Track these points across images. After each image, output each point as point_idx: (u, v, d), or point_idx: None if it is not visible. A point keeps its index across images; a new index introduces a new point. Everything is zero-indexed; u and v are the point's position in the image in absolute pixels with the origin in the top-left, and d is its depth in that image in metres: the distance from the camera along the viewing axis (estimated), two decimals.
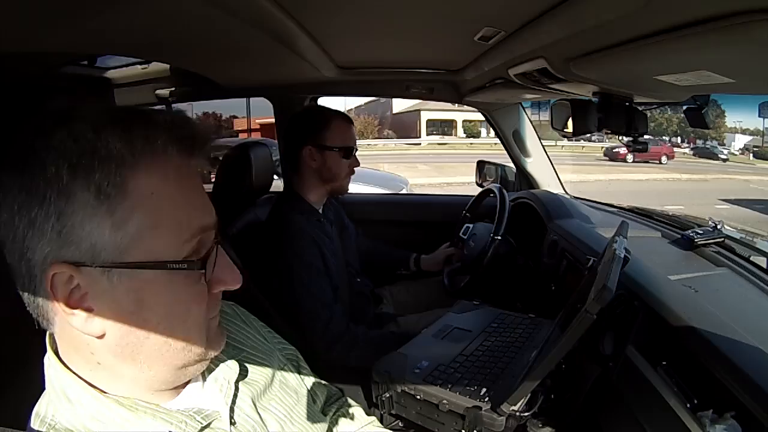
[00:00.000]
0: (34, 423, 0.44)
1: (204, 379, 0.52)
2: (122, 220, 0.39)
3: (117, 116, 0.40)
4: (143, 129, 0.40)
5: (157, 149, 0.40)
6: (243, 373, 0.55)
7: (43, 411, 0.44)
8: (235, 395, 0.52)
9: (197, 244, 0.43)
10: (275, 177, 1.50)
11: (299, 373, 0.68)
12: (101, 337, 0.41)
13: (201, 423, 0.47)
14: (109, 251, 0.39)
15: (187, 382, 0.51)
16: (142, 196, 0.39)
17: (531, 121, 1.78)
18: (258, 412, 0.54)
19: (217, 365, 0.53)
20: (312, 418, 0.62)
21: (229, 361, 0.54)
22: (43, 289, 0.39)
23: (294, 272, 1.17)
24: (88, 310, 0.40)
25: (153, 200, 0.40)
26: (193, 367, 0.47)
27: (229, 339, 0.59)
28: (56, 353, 0.45)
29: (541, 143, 1.80)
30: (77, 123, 0.38)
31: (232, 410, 0.51)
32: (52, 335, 0.46)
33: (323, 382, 0.73)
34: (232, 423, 0.50)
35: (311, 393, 0.67)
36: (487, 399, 0.79)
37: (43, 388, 0.46)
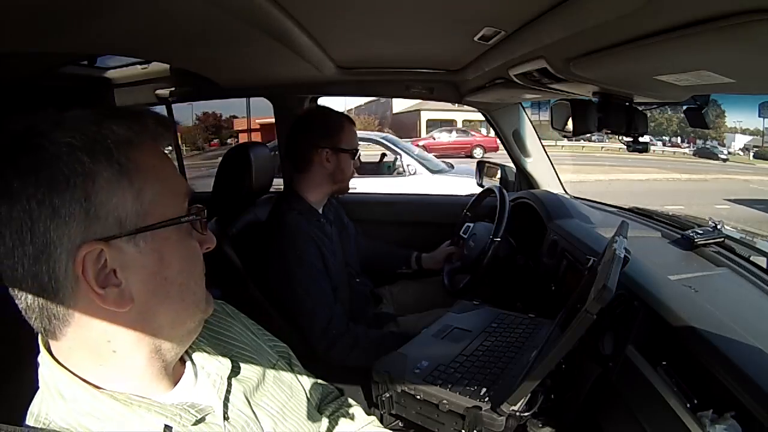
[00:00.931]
0: (29, 421, 0.44)
1: (196, 375, 0.53)
2: (140, 189, 0.44)
3: (104, 112, 0.45)
4: (135, 118, 0.46)
5: (150, 132, 0.47)
6: (235, 370, 0.56)
7: (36, 410, 0.45)
8: (228, 391, 0.53)
9: (188, 205, 0.50)
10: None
11: (292, 370, 0.68)
12: (128, 311, 0.44)
13: (195, 416, 0.48)
14: (132, 219, 0.44)
15: (180, 378, 0.51)
16: (149, 169, 0.45)
17: (531, 121, 1.78)
18: (251, 408, 0.55)
19: (209, 361, 0.54)
20: (306, 414, 0.63)
21: (220, 357, 0.55)
22: (70, 278, 0.42)
23: (294, 272, 1.17)
24: (117, 285, 0.43)
25: (156, 172, 0.46)
26: (195, 332, 0.51)
27: (220, 335, 0.60)
28: (49, 352, 0.45)
29: (541, 143, 1.80)
30: (73, 121, 0.43)
31: (225, 405, 0.52)
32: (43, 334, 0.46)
33: (319, 380, 0.73)
34: (226, 418, 0.51)
35: (305, 390, 0.67)
36: (487, 399, 0.79)
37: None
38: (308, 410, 0.64)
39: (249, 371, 0.58)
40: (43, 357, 0.46)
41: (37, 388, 0.46)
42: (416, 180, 5.00)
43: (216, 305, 0.63)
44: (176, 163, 2.22)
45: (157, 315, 0.46)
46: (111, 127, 0.44)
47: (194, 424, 0.48)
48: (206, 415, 0.49)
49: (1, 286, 0.42)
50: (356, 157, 1.35)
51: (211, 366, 0.54)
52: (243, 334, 0.64)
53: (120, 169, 0.43)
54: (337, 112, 1.36)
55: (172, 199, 0.48)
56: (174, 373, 0.51)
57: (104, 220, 0.42)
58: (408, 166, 5.17)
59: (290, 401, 0.62)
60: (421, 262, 1.59)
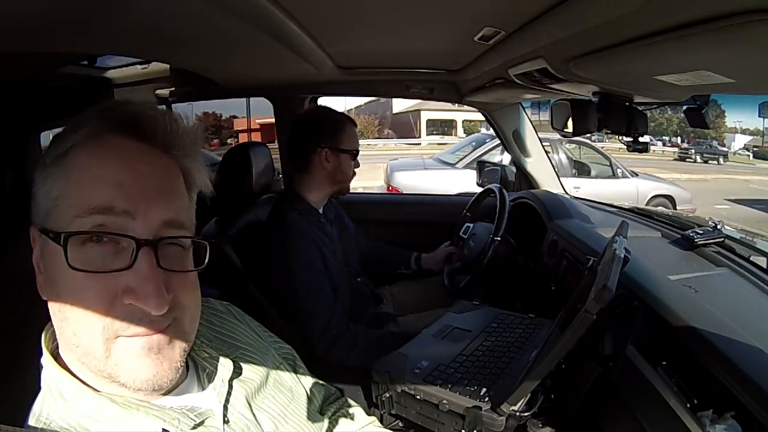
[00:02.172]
0: (30, 420, 0.44)
1: (198, 377, 0.52)
2: (50, 187, 0.42)
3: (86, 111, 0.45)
4: (88, 114, 0.44)
5: (91, 127, 0.43)
6: (237, 371, 0.56)
7: (38, 410, 0.44)
8: (229, 393, 0.53)
9: (96, 227, 0.40)
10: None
11: (295, 372, 0.68)
12: (38, 336, 0.45)
13: (194, 420, 0.47)
14: (41, 215, 0.43)
15: (181, 380, 0.51)
16: (70, 168, 0.42)
17: (531, 121, 1.78)
18: (252, 411, 0.54)
19: (211, 363, 0.53)
20: (307, 416, 0.62)
21: (223, 359, 0.54)
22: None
23: (294, 272, 1.17)
24: (42, 274, 0.44)
25: (74, 171, 0.42)
26: (108, 385, 0.43)
27: (224, 336, 0.60)
28: (51, 353, 0.46)
29: (541, 143, 1.80)
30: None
31: (225, 408, 0.51)
32: (49, 334, 0.46)
33: (321, 381, 0.73)
34: (225, 421, 0.50)
35: (307, 392, 0.67)
36: (487, 399, 0.79)
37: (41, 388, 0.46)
38: (310, 412, 0.64)
39: (251, 373, 0.58)
40: (45, 358, 0.46)
41: (39, 389, 0.46)
42: (630, 183, 5.34)
43: (221, 306, 0.63)
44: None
45: (62, 332, 0.42)
46: (69, 125, 0.44)
47: (193, 428, 0.47)
48: (206, 418, 0.49)
49: (5, 287, 0.43)
50: (356, 158, 1.34)
51: (213, 368, 0.53)
52: (247, 335, 0.63)
53: (43, 163, 0.43)
54: (338, 112, 1.35)
55: (69, 208, 0.41)
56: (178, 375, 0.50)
57: (35, 208, 0.43)
58: (618, 170, 5.49)
59: (291, 404, 0.61)
60: (421, 263, 1.59)
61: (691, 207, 5.58)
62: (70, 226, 0.40)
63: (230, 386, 0.53)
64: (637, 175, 5.64)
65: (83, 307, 0.40)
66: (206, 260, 0.47)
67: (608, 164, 5.51)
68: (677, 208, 5.42)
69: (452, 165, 5.45)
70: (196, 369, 0.53)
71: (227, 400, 0.52)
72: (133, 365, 0.42)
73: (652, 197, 5.41)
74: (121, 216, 0.41)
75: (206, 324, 0.60)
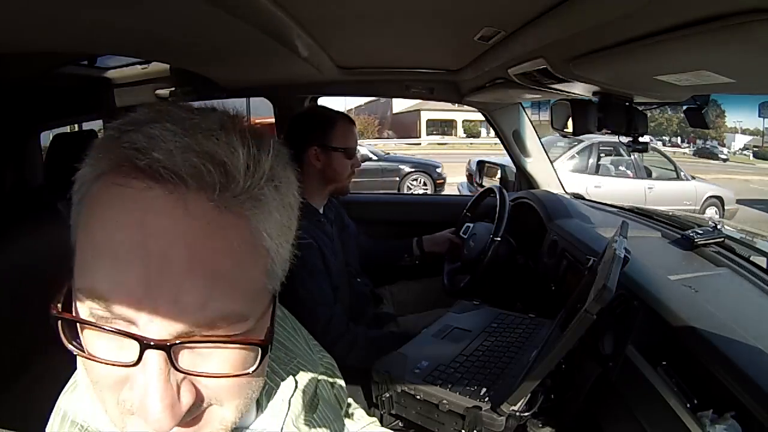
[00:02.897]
0: (57, 419, 0.39)
1: (264, 396, 0.46)
2: (75, 245, 0.32)
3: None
4: (107, 144, 0.31)
5: (101, 169, 0.30)
6: (296, 387, 0.50)
7: (74, 408, 0.38)
8: (287, 413, 0.46)
9: (102, 321, 0.30)
10: None
11: (333, 382, 0.65)
12: (40, 342, 0.38)
13: None
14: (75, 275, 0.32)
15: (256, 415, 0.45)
16: (83, 218, 0.31)
17: (531, 121, 1.78)
18: (301, 427, 0.49)
19: (272, 379, 0.47)
20: (340, 428, 0.58)
21: (286, 374, 0.49)
22: None
23: (293, 272, 1.16)
24: None
25: (80, 228, 0.31)
26: None
27: (280, 344, 0.54)
28: None
29: (541, 143, 1.80)
30: None
31: (281, 429, 0.45)
32: None
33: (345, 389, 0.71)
34: None
35: (339, 401, 0.65)
36: (487, 399, 0.79)
37: (43, 389, 0.45)
38: (343, 425, 0.60)
39: (305, 386, 0.52)
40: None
41: (40, 390, 0.44)
42: (690, 185, 5.90)
43: (278, 310, 0.58)
44: None
45: None
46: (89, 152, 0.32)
47: None
48: None
49: (5, 287, 0.42)
50: (354, 157, 1.32)
51: (273, 384, 0.47)
52: (299, 345, 0.58)
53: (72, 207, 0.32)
54: (332, 110, 1.33)
55: (76, 280, 0.30)
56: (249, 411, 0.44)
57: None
58: (681, 173, 6.02)
59: (332, 416, 0.56)
60: (423, 245, 1.58)
61: (734, 207, 6.14)
62: (73, 298, 0.31)
63: (288, 404, 0.47)
64: (694, 178, 6.16)
65: (96, 380, 0.32)
66: (258, 363, 0.33)
67: (673, 168, 5.93)
68: (725, 207, 6.00)
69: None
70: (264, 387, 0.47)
71: (284, 420, 0.46)
72: None
73: (707, 198, 5.94)
74: (110, 306, 0.29)
75: None
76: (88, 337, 0.31)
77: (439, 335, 1.05)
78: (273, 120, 1.90)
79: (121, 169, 0.29)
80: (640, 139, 1.16)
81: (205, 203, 0.29)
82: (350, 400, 0.76)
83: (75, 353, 0.31)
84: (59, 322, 0.30)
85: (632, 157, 5.54)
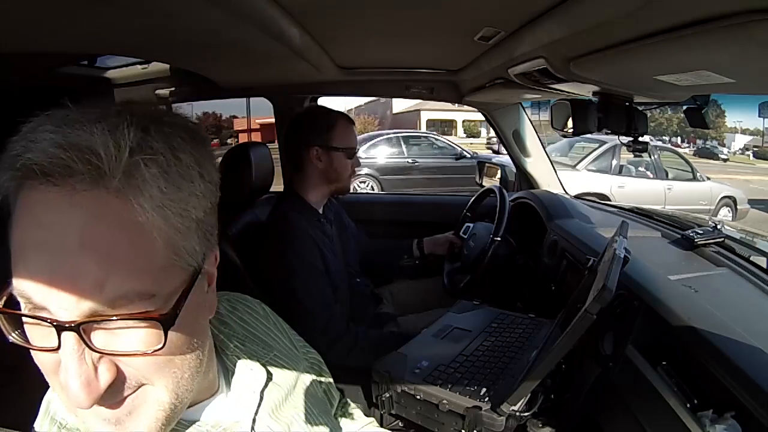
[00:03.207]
0: (43, 419, 0.41)
1: (229, 386, 0.49)
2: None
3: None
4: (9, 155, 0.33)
5: (11, 177, 0.32)
6: (269, 379, 0.52)
7: (53, 407, 0.42)
8: (259, 405, 0.49)
9: (27, 309, 0.33)
10: None
11: (320, 378, 0.66)
12: None
13: None
14: None
15: (212, 390, 0.47)
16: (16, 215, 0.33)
17: (531, 121, 1.78)
18: (279, 421, 0.51)
19: (245, 372, 0.50)
20: (329, 425, 0.59)
21: (256, 366, 0.51)
22: None
23: (294, 272, 1.16)
24: None
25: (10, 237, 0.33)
26: None
27: (258, 339, 0.56)
28: None
29: (541, 143, 1.80)
30: None
31: (254, 421, 0.48)
32: None
33: (337, 386, 0.72)
34: None
35: (328, 398, 0.65)
36: (487, 399, 0.79)
37: (43, 388, 0.45)
38: (330, 420, 0.61)
39: (281, 380, 0.54)
40: None
41: (40, 390, 0.45)
42: (705, 186, 6.10)
43: (258, 306, 0.60)
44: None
45: None
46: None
47: None
48: None
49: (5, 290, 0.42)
50: (354, 157, 1.32)
51: (244, 376, 0.49)
52: (279, 340, 0.60)
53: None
54: (332, 110, 1.33)
55: (14, 279, 0.33)
56: (207, 388, 0.46)
57: None
58: (697, 174, 6.22)
59: (316, 412, 0.58)
60: (423, 246, 1.59)
61: (746, 207, 6.31)
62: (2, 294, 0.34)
63: (260, 396, 0.49)
64: (709, 179, 6.34)
65: (43, 368, 0.35)
66: (165, 341, 0.34)
67: (689, 169, 6.13)
68: (737, 207, 6.17)
69: (572, 167, 5.69)
70: (226, 375, 0.50)
71: (256, 412, 0.48)
72: (98, 428, 0.35)
73: (722, 198, 6.10)
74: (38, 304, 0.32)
75: (239, 322, 0.56)
76: (28, 329, 0.34)
77: (439, 335, 1.05)
78: (273, 120, 1.90)
79: (14, 176, 0.32)
80: (640, 139, 1.16)
81: (85, 191, 0.31)
82: (350, 400, 0.76)
83: (16, 343, 0.34)
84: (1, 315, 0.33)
85: (652, 158, 5.72)
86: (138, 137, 0.33)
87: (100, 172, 0.31)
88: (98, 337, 0.33)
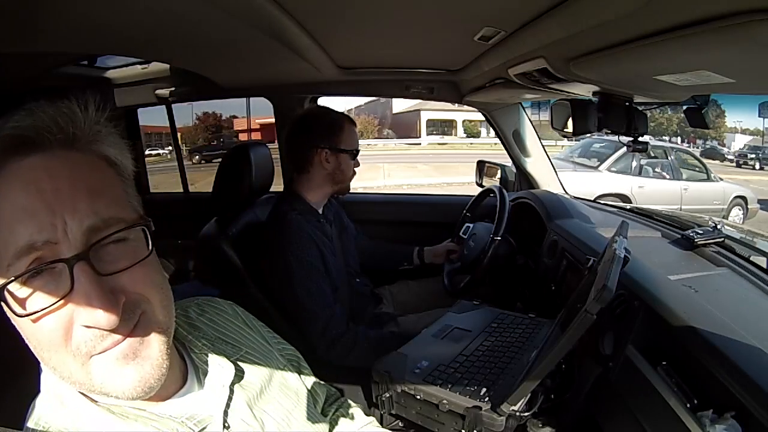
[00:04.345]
0: (29, 423, 0.44)
1: (200, 381, 0.52)
2: None
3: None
4: None
5: None
6: (239, 375, 0.55)
7: (37, 413, 0.44)
8: (230, 398, 0.52)
9: (34, 264, 0.38)
10: None
11: (300, 374, 0.67)
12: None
13: (193, 429, 0.47)
14: None
15: (182, 384, 0.50)
16: None
17: (531, 121, 1.78)
18: (254, 415, 0.53)
19: (212, 367, 0.53)
20: (312, 419, 0.62)
21: (224, 362, 0.54)
22: None
23: (293, 272, 1.17)
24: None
25: None
26: (109, 399, 0.43)
27: (227, 338, 0.59)
28: None
29: (541, 143, 1.80)
30: None
31: (225, 413, 0.50)
32: None
33: (322, 382, 0.73)
34: (226, 427, 0.50)
35: (312, 394, 0.66)
36: (487, 399, 0.79)
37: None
38: (314, 415, 0.63)
39: (254, 377, 0.57)
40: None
41: (38, 391, 0.46)
42: (718, 186, 6.24)
43: (227, 306, 0.63)
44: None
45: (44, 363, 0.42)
46: None
47: None
48: (206, 426, 0.48)
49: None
50: (356, 158, 1.34)
51: (214, 372, 0.52)
52: (250, 337, 0.62)
53: None
54: (337, 111, 1.35)
55: (1, 260, 0.38)
56: (174, 381, 0.49)
57: None
58: (711, 174, 6.34)
59: (296, 408, 0.60)
60: (424, 256, 1.59)
61: (756, 206, 6.46)
62: (5, 275, 0.38)
63: (231, 391, 0.52)
64: (722, 179, 6.50)
65: (48, 344, 0.39)
66: (149, 244, 0.43)
67: (704, 170, 6.31)
68: (748, 207, 6.33)
69: (594, 168, 5.83)
70: (196, 372, 0.52)
71: (228, 405, 0.51)
72: (117, 378, 0.40)
73: (734, 197, 6.24)
74: (46, 246, 0.38)
75: (209, 323, 0.59)
76: (32, 301, 0.38)
77: (439, 335, 1.05)
78: (273, 120, 1.90)
79: (6, 156, 0.39)
80: (640, 139, 1.16)
81: (66, 149, 0.41)
82: (350, 400, 0.76)
83: (29, 316, 0.38)
84: (4, 294, 0.37)
85: (668, 159, 5.99)
86: (98, 116, 0.44)
87: (75, 135, 0.41)
88: (100, 267, 0.39)
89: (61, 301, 0.38)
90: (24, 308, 0.38)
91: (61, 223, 0.38)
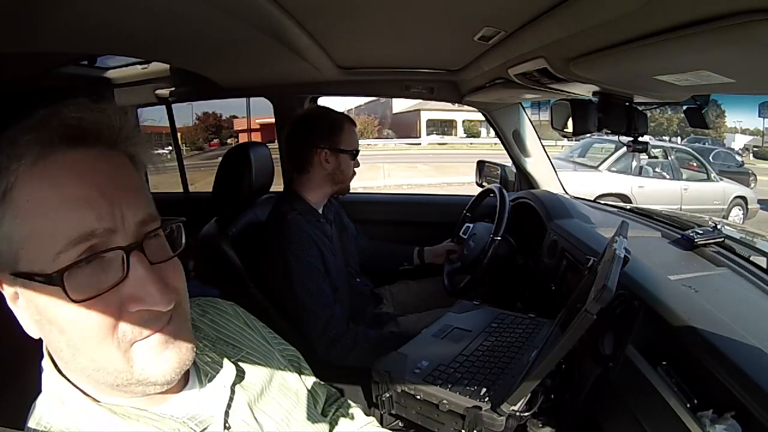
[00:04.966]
0: (31, 423, 0.44)
1: (200, 381, 0.52)
2: (8, 229, 0.39)
3: (7, 133, 0.41)
4: (12, 137, 0.40)
5: (21, 153, 0.39)
6: (240, 376, 0.55)
7: (38, 413, 0.44)
8: (231, 399, 0.52)
9: (86, 253, 0.39)
10: None
11: (300, 374, 0.67)
12: (39, 341, 0.43)
13: (194, 429, 0.47)
14: (9, 260, 0.40)
15: (183, 384, 0.50)
16: (20, 204, 0.39)
17: (531, 121, 1.78)
18: (254, 416, 0.53)
19: (213, 368, 0.53)
20: (311, 419, 0.62)
21: (225, 363, 0.54)
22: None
23: (293, 272, 1.17)
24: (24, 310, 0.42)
25: (28, 207, 0.39)
26: (138, 389, 0.43)
27: (228, 339, 0.59)
28: (52, 360, 0.45)
29: (541, 143, 1.80)
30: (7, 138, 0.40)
31: (226, 414, 0.50)
32: None
33: (322, 383, 0.73)
34: (227, 427, 0.50)
35: (312, 394, 0.66)
36: (487, 399, 0.79)
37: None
38: (314, 415, 0.63)
39: (254, 377, 0.57)
40: (45, 362, 0.45)
41: (40, 391, 0.46)
42: (719, 186, 6.22)
43: (228, 307, 0.63)
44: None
45: (67, 362, 0.42)
46: (4, 152, 0.39)
47: None
48: (207, 426, 0.48)
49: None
50: (356, 158, 1.34)
51: (214, 372, 0.53)
52: (251, 338, 0.62)
53: None
54: (337, 111, 1.35)
55: (42, 247, 0.38)
56: (176, 381, 0.49)
57: None
58: (712, 174, 6.33)
59: (296, 408, 0.60)
60: (424, 256, 1.60)
61: (756, 207, 6.49)
62: (55, 262, 0.38)
63: (232, 391, 0.52)
64: (723, 179, 6.49)
65: (97, 331, 0.40)
66: (183, 239, 0.47)
67: (704, 170, 6.31)
68: (748, 207, 6.36)
69: (594, 167, 5.83)
70: (198, 373, 0.52)
71: (228, 406, 0.51)
72: (158, 363, 0.43)
73: (734, 197, 6.26)
74: (106, 235, 0.40)
75: (210, 324, 0.59)
76: (79, 290, 0.38)
77: (439, 335, 1.05)
78: (273, 120, 1.90)
79: (60, 146, 0.40)
80: (640, 139, 1.16)
81: (109, 148, 0.43)
82: (350, 400, 0.76)
83: (85, 301, 0.38)
84: (64, 278, 0.38)
85: (669, 159, 5.99)
86: (132, 122, 0.46)
87: (115, 138, 0.44)
88: (150, 256, 0.42)
89: (114, 288, 0.40)
90: (77, 294, 0.38)
91: (119, 213, 0.40)
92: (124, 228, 0.41)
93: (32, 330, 0.42)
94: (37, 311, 0.40)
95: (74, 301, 0.38)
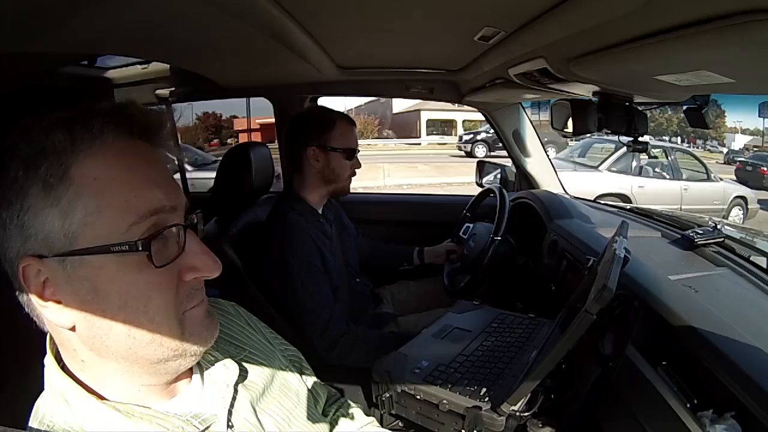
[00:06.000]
0: (33, 422, 0.44)
1: (203, 380, 0.52)
2: (68, 207, 0.40)
3: (65, 115, 0.43)
4: (82, 119, 0.42)
5: (94, 134, 0.42)
6: (243, 375, 0.55)
7: (41, 411, 0.45)
8: (234, 398, 0.52)
9: (152, 227, 0.43)
10: None
11: (301, 374, 0.67)
12: (72, 329, 0.43)
13: (198, 428, 0.47)
14: (61, 240, 0.41)
15: (186, 384, 0.51)
16: (85, 182, 0.41)
17: (531, 121, 1.78)
18: (256, 415, 0.54)
19: (216, 367, 0.53)
20: (312, 419, 0.62)
21: (228, 362, 0.54)
22: (20, 285, 0.42)
23: (293, 272, 1.17)
24: (58, 302, 0.42)
25: (96, 184, 0.41)
26: (174, 363, 0.46)
27: (231, 339, 0.59)
28: (55, 356, 0.46)
29: (541, 143, 1.80)
30: (34, 131, 0.41)
31: (229, 413, 0.51)
32: (52, 338, 0.46)
33: (323, 383, 0.73)
34: (230, 426, 0.50)
35: (312, 394, 0.67)
36: (487, 399, 0.79)
37: (44, 388, 0.46)
38: (315, 416, 0.63)
39: (256, 377, 0.57)
40: (49, 360, 0.46)
41: (41, 389, 0.46)
42: (719, 186, 6.22)
43: (230, 307, 0.63)
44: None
45: (108, 345, 0.43)
46: (53, 135, 0.41)
47: None
48: (210, 425, 0.49)
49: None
50: (354, 158, 1.32)
51: (218, 372, 0.53)
52: (253, 338, 0.63)
53: (44, 186, 0.40)
54: (331, 110, 1.33)
55: (114, 220, 0.41)
56: (179, 379, 0.50)
57: (35, 238, 0.41)
58: (712, 174, 6.32)
59: (297, 408, 0.61)
60: (424, 256, 1.59)
61: (756, 207, 6.52)
62: (128, 233, 0.41)
63: (235, 390, 0.53)
64: (722, 179, 6.55)
65: (162, 300, 0.43)
66: (202, 226, 0.51)
67: (704, 170, 6.33)
68: (748, 207, 6.38)
69: (594, 167, 5.86)
70: (201, 372, 0.53)
71: (231, 405, 0.52)
72: (204, 331, 0.47)
73: (734, 197, 6.30)
74: (169, 212, 0.44)
75: None
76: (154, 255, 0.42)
77: (439, 335, 1.05)
78: (273, 120, 1.90)
79: (122, 133, 0.44)
80: (640, 139, 1.16)
81: (148, 143, 0.47)
82: (350, 400, 0.76)
83: (163, 267, 0.43)
84: (150, 246, 0.42)
85: (669, 159, 6.00)
86: (171, 123, 0.50)
87: (158, 136, 0.48)
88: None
89: (176, 259, 0.44)
90: (157, 261, 0.42)
91: (174, 198, 0.45)
92: (180, 209, 0.46)
93: (64, 318, 0.42)
94: (92, 289, 0.41)
95: (157, 267, 0.42)
